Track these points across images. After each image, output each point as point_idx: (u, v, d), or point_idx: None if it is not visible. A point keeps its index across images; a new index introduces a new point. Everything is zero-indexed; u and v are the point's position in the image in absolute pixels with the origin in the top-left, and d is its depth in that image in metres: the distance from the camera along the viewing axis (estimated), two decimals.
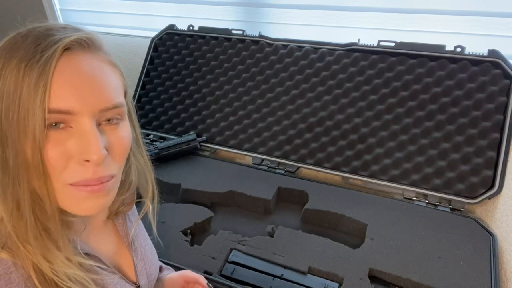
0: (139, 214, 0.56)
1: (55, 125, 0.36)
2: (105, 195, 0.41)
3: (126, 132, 0.43)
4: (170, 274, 0.66)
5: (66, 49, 0.37)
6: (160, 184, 1.03)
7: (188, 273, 0.65)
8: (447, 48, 0.94)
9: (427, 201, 0.94)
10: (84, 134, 0.37)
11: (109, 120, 0.40)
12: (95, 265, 0.45)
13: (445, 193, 0.93)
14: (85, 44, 0.39)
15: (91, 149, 0.37)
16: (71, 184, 0.38)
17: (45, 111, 0.34)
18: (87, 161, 0.37)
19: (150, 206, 0.53)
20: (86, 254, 0.44)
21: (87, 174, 0.38)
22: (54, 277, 0.38)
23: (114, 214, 0.54)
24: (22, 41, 0.36)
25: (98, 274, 0.45)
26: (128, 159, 0.47)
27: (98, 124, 0.39)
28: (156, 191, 0.54)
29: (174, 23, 1.28)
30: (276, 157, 1.10)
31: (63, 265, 0.38)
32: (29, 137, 0.34)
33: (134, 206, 0.59)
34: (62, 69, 0.36)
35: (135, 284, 0.53)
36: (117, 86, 0.42)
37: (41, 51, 0.35)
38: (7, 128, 0.35)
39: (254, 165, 1.11)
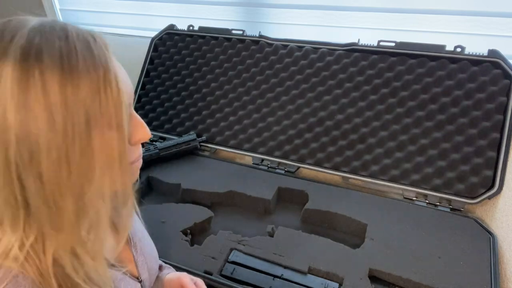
0: None
1: None
2: None
3: None
4: (169, 274, 0.66)
5: None
6: (160, 184, 1.04)
7: (184, 277, 0.63)
8: (447, 48, 0.94)
9: (427, 201, 0.94)
10: (134, 120, 0.44)
11: None
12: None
13: (445, 193, 0.93)
14: None
15: (145, 131, 0.45)
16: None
17: (127, 107, 0.40)
18: (136, 142, 0.44)
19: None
20: None
21: (138, 152, 0.46)
22: (79, 281, 0.40)
23: None
24: (70, 50, 0.35)
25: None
26: None
27: None
28: None
29: (174, 23, 1.28)
30: (276, 157, 1.10)
31: (98, 268, 0.42)
32: (115, 130, 0.38)
33: None
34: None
35: (137, 279, 0.54)
36: None
37: (101, 60, 0.37)
38: (92, 136, 0.36)
39: (254, 165, 1.11)
